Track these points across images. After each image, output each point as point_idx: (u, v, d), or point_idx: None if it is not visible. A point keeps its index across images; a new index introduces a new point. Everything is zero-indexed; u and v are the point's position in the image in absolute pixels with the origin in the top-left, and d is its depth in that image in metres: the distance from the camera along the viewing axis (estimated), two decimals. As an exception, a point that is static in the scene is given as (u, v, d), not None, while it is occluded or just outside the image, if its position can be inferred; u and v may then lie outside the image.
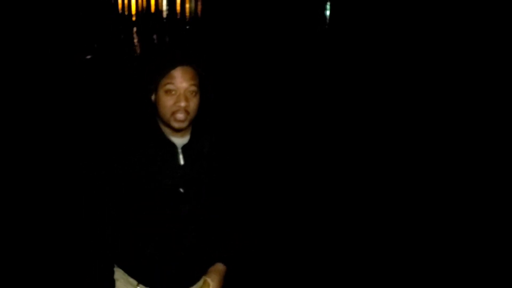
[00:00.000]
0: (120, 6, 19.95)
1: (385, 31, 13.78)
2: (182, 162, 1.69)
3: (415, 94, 7.70)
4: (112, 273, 1.73)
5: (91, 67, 8.90)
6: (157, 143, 1.68)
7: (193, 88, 1.62)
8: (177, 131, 1.67)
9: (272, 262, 3.45)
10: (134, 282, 1.77)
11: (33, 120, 5.84)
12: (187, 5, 21.88)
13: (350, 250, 3.65)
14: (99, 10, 17.63)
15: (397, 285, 3.28)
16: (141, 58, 9.64)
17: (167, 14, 18.14)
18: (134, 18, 16.69)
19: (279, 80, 8.45)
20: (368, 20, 16.17)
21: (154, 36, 12.63)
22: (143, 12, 18.80)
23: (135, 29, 14.28)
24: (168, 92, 1.61)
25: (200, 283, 1.83)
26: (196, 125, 1.73)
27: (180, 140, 1.70)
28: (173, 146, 1.69)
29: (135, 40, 12.43)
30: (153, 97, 1.67)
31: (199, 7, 21.69)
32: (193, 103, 1.64)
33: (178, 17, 17.76)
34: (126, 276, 1.77)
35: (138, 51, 10.75)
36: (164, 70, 1.60)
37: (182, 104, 1.61)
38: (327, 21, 17.33)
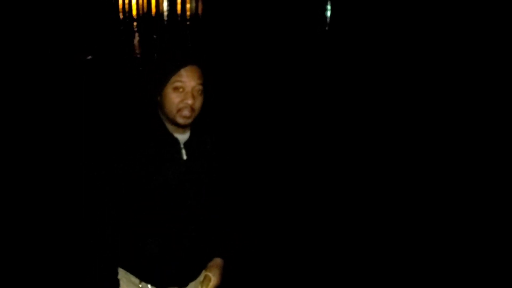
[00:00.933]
0: (120, 6, 19.96)
1: (386, 32, 13.77)
2: (185, 157, 1.72)
3: (415, 94, 7.70)
4: (116, 273, 1.74)
5: (92, 67, 8.90)
6: (161, 139, 1.70)
7: (200, 87, 1.67)
8: (181, 127, 1.70)
9: (271, 259, 3.45)
10: (136, 280, 1.78)
11: (34, 120, 5.84)
12: (188, 5, 21.89)
13: (350, 247, 3.66)
14: (100, 11, 17.64)
15: (397, 285, 3.29)
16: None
17: (168, 14, 18.15)
18: (134, 19, 16.70)
19: (279, 80, 8.45)
20: (368, 20, 16.17)
21: (155, 36, 12.64)
22: (144, 12, 18.81)
23: (135, 29, 14.29)
24: (176, 89, 1.65)
25: (201, 278, 1.85)
26: (196, 122, 1.76)
27: (182, 136, 1.73)
28: (176, 141, 1.72)
29: (136, 41, 12.44)
30: (159, 97, 1.70)
31: (200, 7, 21.70)
32: (199, 101, 1.68)
33: (179, 17, 17.76)
34: (128, 275, 1.78)
35: (139, 51, 10.75)
36: (174, 68, 1.64)
37: (189, 101, 1.65)
38: (328, 21, 17.33)
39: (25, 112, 6.06)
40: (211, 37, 12.63)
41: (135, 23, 15.45)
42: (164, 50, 1.74)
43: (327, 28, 15.86)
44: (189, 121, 1.67)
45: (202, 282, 1.81)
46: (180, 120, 1.67)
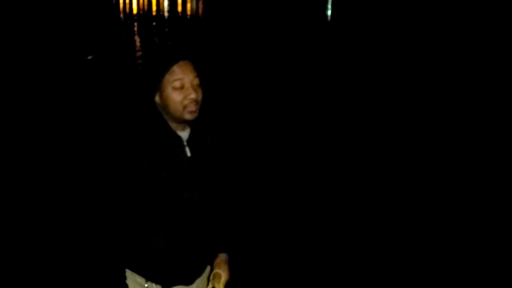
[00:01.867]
0: (121, 6, 19.97)
1: (386, 30, 13.76)
2: (189, 154, 1.73)
3: (416, 93, 7.69)
4: (124, 276, 1.74)
5: (92, 67, 8.91)
6: (164, 137, 1.70)
7: (197, 79, 1.67)
8: (188, 123, 1.71)
9: (271, 253, 3.45)
10: (142, 281, 1.78)
11: (35, 120, 5.85)
12: (188, 5, 21.89)
13: (348, 243, 3.65)
14: (101, 11, 17.65)
15: (397, 285, 3.28)
16: (142, 61, 9.65)
17: (169, 14, 18.16)
18: (135, 18, 16.71)
19: (279, 78, 8.44)
20: (369, 19, 16.15)
21: (155, 36, 12.64)
22: (145, 12, 18.81)
23: (136, 28, 14.29)
24: (175, 88, 1.64)
25: (206, 274, 1.86)
26: (196, 118, 1.75)
27: (184, 134, 1.74)
28: (179, 139, 1.72)
29: (137, 40, 12.44)
30: (157, 97, 1.69)
31: (200, 6, 21.70)
32: (200, 94, 1.69)
33: (180, 16, 17.77)
34: (134, 275, 1.78)
35: (140, 51, 10.76)
36: (166, 67, 1.64)
37: (193, 96, 1.65)
38: (328, 19, 17.31)
39: (25, 112, 6.07)
40: (212, 35, 12.63)
41: (135, 24, 15.46)
42: (153, 51, 1.75)
43: (327, 27, 15.85)
44: (196, 115, 1.68)
45: (213, 280, 1.80)
46: (188, 116, 1.66)
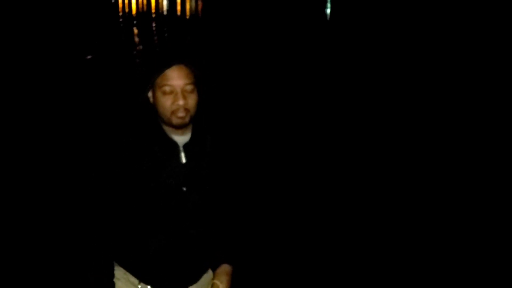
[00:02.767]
0: (120, 5, 19.97)
1: (386, 29, 13.75)
2: (184, 160, 1.70)
3: (416, 92, 7.69)
4: (112, 275, 1.73)
5: (91, 67, 8.90)
6: (158, 142, 1.68)
7: (189, 86, 1.63)
8: (178, 128, 1.67)
9: (275, 260, 3.43)
10: (135, 281, 1.77)
11: (32, 120, 5.84)
12: (188, 5, 21.89)
13: (350, 247, 3.64)
14: (100, 10, 17.65)
15: (397, 285, 3.27)
16: (138, 59, 9.65)
17: (168, 14, 18.16)
18: (134, 18, 16.70)
19: (279, 78, 8.44)
20: (368, 17, 16.15)
21: (154, 36, 12.64)
22: (144, 11, 18.82)
23: (135, 28, 14.29)
24: (165, 93, 1.62)
25: (202, 282, 1.83)
26: (197, 123, 1.73)
27: (181, 139, 1.71)
28: (174, 144, 1.69)
29: (136, 40, 12.44)
30: (150, 97, 1.68)
31: (200, 6, 21.69)
32: (192, 100, 1.64)
33: (179, 16, 17.77)
34: (127, 275, 1.77)
35: (138, 50, 10.75)
36: (159, 70, 1.62)
37: (181, 102, 1.62)
38: (328, 18, 17.31)
39: (24, 112, 6.06)
40: (211, 36, 12.62)
41: (135, 23, 15.45)
42: (150, 52, 1.73)
43: (326, 25, 15.85)
44: (184, 121, 1.64)
45: None
46: (175, 121, 1.64)
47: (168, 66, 1.61)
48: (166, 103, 1.62)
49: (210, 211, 1.77)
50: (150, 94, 1.68)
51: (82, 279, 1.69)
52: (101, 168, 1.68)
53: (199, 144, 1.73)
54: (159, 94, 1.63)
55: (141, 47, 11.14)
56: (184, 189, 1.69)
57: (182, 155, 1.70)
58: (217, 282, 1.78)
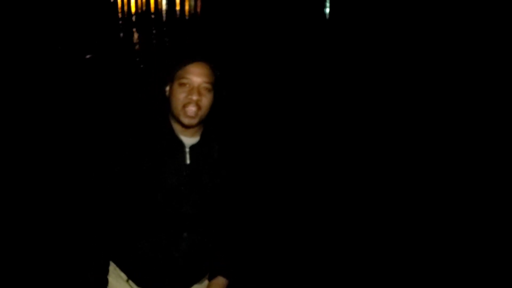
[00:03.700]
0: (119, 5, 19.92)
1: (385, 28, 13.75)
2: (188, 161, 1.70)
3: (415, 92, 7.69)
4: (106, 271, 1.73)
5: (91, 66, 8.89)
6: (165, 140, 1.68)
7: (207, 85, 1.65)
8: (187, 127, 1.68)
9: (276, 270, 3.41)
10: (124, 277, 1.76)
11: (33, 119, 5.83)
12: (187, 4, 21.85)
13: (355, 255, 3.64)
14: (99, 10, 17.60)
15: (397, 285, 3.27)
16: (137, 58, 9.62)
17: (167, 13, 18.13)
18: (133, 17, 16.68)
19: (279, 78, 8.43)
20: (367, 17, 16.14)
21: (154, 36, 12.62)
22: (143, 11, 18.78)
23: (134, 28, 14.26)
24: (182, 85, 1.64)
25: None
26: (207, 127, 1.74)
27: (189, 140, 1.71)
28: (181, 144, 1.70)
29: (135, 39, 12.41)
30: (167, 90, 1.69)
31: (199, 6, 21.65)
32: (206, 99, 1.65)
33: (178, 16, 17.74)
34: (117, 270, 1.77)
35: (138, 50, 10.73)
36: (182, 63, 1.64)
37: (194, 97, 1.63)
38: (327, 18, 17.30)
39: (25, 111, 6.05)
40: (211, 36, 12.59)
41: (134, 22, 15.42)
42: (175, 45, 1.75)
43: (326, 25, 15.83)
44: (194, 121, 1.65)
45: None
46: (185, 120, 1.64)
47: (192, 60, 1.64)
48: (180, 95, 1.64)
49: (206, 217, 1.75)
50: (167, 88, 1.69)
51: (80, 275, 1.70)
52: (101, 167, 1.68)
53: (206, 148, 1.73)
54: (176, 85, 1.65)
55: (140, 46, 11.13)
56: (183, 189, 1.68)
57: (187, 156, 1.70)
58: None
